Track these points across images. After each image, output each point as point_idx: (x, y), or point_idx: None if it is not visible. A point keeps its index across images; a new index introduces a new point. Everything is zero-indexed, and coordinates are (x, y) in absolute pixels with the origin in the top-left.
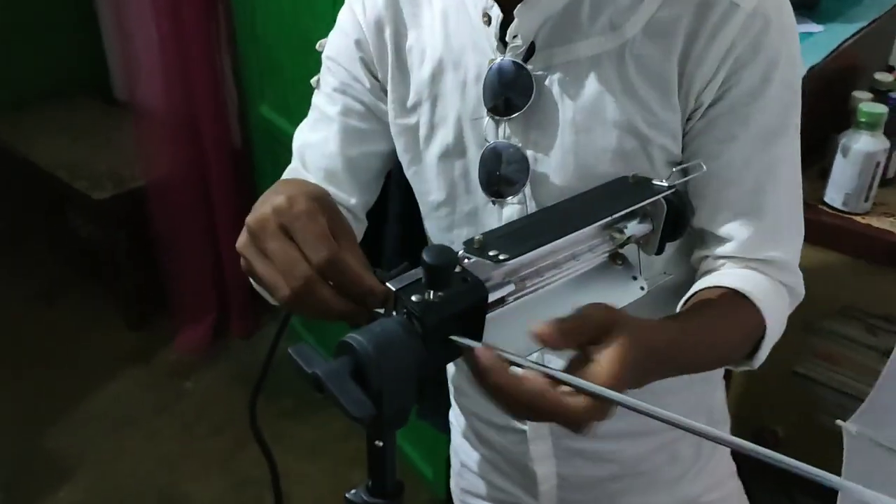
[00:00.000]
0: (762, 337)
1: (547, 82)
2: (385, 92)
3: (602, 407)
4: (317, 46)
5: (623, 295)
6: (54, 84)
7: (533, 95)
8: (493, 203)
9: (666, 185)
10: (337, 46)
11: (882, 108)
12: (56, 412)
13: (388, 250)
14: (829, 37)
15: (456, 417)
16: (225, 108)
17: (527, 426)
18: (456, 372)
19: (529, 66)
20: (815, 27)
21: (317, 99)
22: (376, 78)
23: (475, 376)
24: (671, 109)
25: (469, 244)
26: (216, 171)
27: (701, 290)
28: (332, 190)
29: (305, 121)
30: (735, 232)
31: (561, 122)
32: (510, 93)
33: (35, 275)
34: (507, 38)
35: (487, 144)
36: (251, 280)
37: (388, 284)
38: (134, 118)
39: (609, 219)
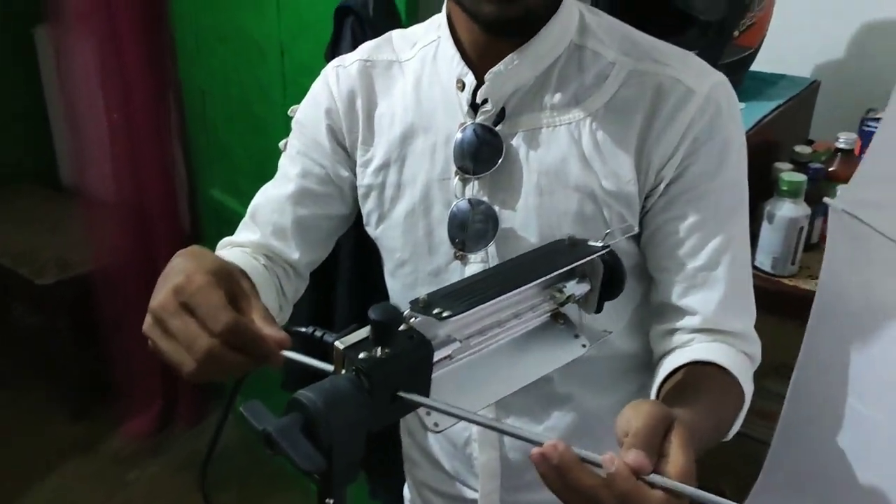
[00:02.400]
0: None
1: (514, 146)
2: (349, 161)
3: (677, 500)
4: (289, 112)
5: (565, 353)
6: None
7: (501, 157)
8: (457, 260)
9: (600, 245)
10: (306, 112)
11: (801, 177)
12: None
13: (339, 318)
14: (749, 114)
15: (409, 491)
16: (174, 192)
17: (478, 495)
18: (408, 443)
19: (498, 129)
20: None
21: (281, 160)
22: (342, 146)
23: (544, 475)
24: (628, 182)
25: (415, 303)
26: (165, 256)
27: (684, 368)
28: (277, 245)
29: (268, 184)
30: (698, 305)
31: (525, 184)
32: (480, 154)
33: None
34: (478, 102)
35: (458, 200)
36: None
37: (336, 343)
38: (82, 204)
39: (547, 278)
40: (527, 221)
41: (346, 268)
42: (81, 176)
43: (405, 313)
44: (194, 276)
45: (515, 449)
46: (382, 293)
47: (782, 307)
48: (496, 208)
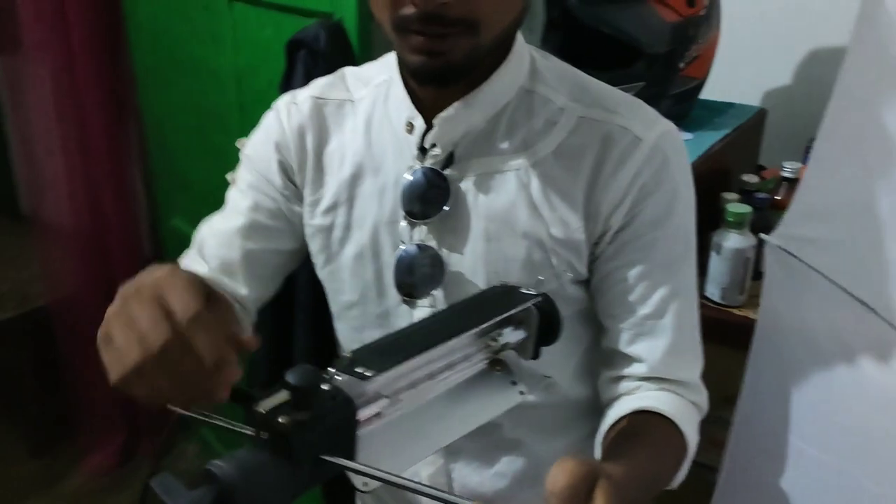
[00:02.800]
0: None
1: (463, 190)
2: (299, 196)
3: None
4: (236, 143)
5: (503, 401)
6: None
7: (449, 202)
8: (405, 305)
9: (534, 292)
10: (256, 146)
11: (746, 208)
12: None
13: (297, 357)
14: (698, 143)
15: None
16: (135, 222)
17: None
18: (359, 496)
19: (447, 173)
20: (685, 135)
21: (230, 193)
22: (292, 182)
23: None
24: (576, 228)
25: (339, 361)
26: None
27: (628, 416)
28: (224, 280)
29: (216, 214)
30: (644, 353)
31: (473, 229)
32: (428, 199)
33: None
34: (426, 146)
35: (403, 246)
36: (101, 349)
37: (256, 408)
38: (41, 235)
39: (478, 329)
40: (474, 267)
41: (303, 299)
42: (39, 207)
43: (329, 371)
44: (170, 272)
45: (466, 497)
46: None
47: (732, 337)
48: (443, 252)
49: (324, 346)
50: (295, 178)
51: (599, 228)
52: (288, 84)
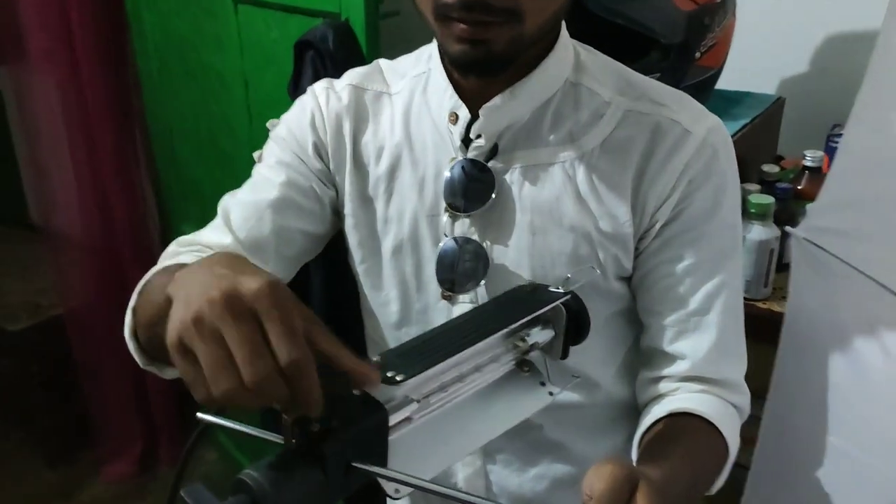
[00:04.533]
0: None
1: (507, 182)
2: (331, 179)
3: None
4: (267, 125)
5: (532, 402)
6: None
7: (493, 194)
8: (445, 300)
9: (562, 290)
10: (291, 126)
11: (769, 199)
12: None
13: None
14: None
15: None
16: (146, 229)
17: None
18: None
19: (490, 165)
20: None
21: (259, 168)
22: (326, 165)
23: None
24: (624, 222)
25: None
26: None
27: (666, 418)
28: (250, 255)
29: (239, 189)
30: (687, 351)
31: (518, 223)
32: (471, 190)
33: None
34: (471, 136)
35: (446, 238)
36: (175, 357)
37: (283, 416)
38: (52, 245)
39: (508, 329)
40: (519, 261)
41: (317, 305)
42: (50, 217)
43: None
44: (269, 286)
45: (503, 497)
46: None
47: (758, 331)
48: (487, 245)
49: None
50: (329, 162)
51: (646, 223)
52: (297, 85)
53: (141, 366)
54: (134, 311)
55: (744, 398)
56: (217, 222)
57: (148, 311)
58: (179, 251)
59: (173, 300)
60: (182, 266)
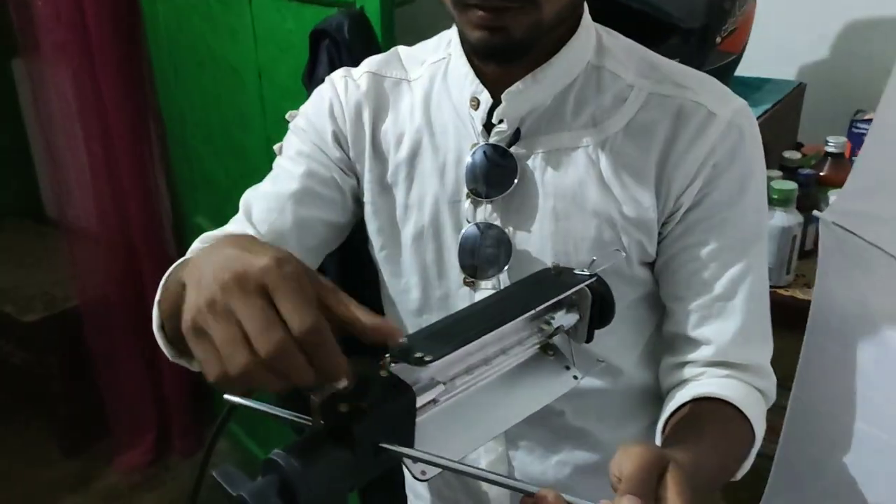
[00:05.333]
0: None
1: (530, 168)
2: (351, 168)
3: None
4: (287, 116)
5: (557, 386)
6: None
7: (516, 180)
8: (467, 287)
9: (587, 273)
10: (310, 116)
11: (792, 185)
12: None
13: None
14: None
15: None
16: (159, 222)
17: None
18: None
19: (513, 150)
20: None
21: (279, 160)
22: (345, 153)
23: None
24: (648, 207)
25: (394, 348)
26: (152, 286)
27: (691, 403)
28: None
29: (260, 183)
30: (712, 336)
31: (541, 208)
32: (493, 176)
33: None
34: (493, 121)
35: (468, 224)
36: (191, 340)
37: (311, 396)
38: (66, 237)
39: (534, 311)
40: (542, 246)
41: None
42: (64, 209)
43: (385, 358)
44: (278, 262)
45: (526, 480)
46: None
47: (780, 318)
48: (509, 231)
49: (352, 341)
50: (349, 151)
51: (670, 207)
52: (312, 75)
53: (170, 359)
54: (159, 304)
55: (770, 382)
56: (239, 216)
57: (169, 302)
58: (203, 248)
59: (186, 286)
60: None
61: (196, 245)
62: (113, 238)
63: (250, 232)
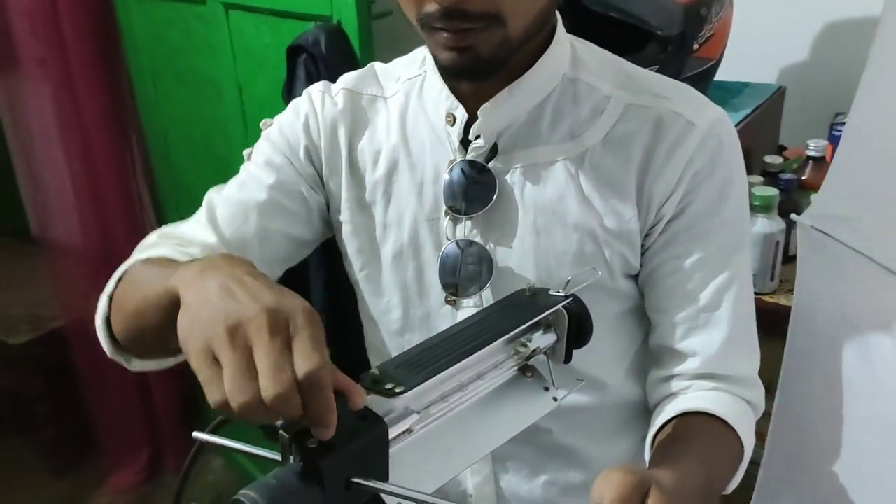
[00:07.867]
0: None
1: (509, 182)
2: (320, 184)
3: None
4: (261, 125)
5: (536, 408)
6: None
7: (495, 195)
8: (448, 305)
9: (563, 294)
10: (284, 128)
11: (773, 191)
12: None
13: None
14: None
15: None
16: (143, 236)
17: None
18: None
19: (491, 166)
20: None
21: (248, 166)
22: (317, 170)
23: None
24: (629, 219)
25: (365, 378)
26: None
27: (678, 418)
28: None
29: (226, 184)
30: (698, 347)
31: (521, 223)
32: (472, 192)
33: None
34: (470, 137)
35: (448, 242)
36: (197, 360)
37: (280, 431)
38: (51, 256)
39: (508, 335)
40: (523, 262)
41: (319, 305)
42: (48, 228)
43: None
44: (303, 306)
45: (514, 501)
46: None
47: (764, 325)
48: (490, 247)
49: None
50: (321, 168)
51: (652, 218)
52: (290, 90)
53: (108, 354)
54: (111, 297)
55: (758, 393)
56: (201, 217)
57: (134, 301)
58: (159, 243)
59: (183, 299)
60: (169, 260)
61: (152, 238)
62: (97, 256)
63: (213, 237)
